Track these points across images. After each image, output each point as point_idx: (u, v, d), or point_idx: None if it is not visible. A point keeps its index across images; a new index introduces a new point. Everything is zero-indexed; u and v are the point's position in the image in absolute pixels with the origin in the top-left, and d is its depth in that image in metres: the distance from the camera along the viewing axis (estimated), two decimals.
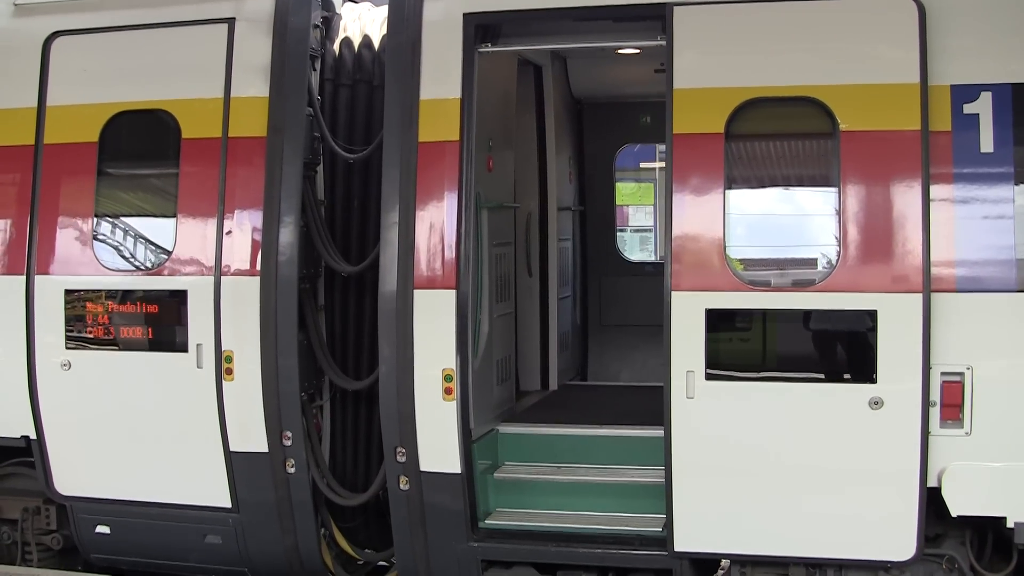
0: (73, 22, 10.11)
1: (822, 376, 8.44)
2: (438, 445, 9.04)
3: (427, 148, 9.08)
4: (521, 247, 11.51)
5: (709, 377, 8.44)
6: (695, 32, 8.66)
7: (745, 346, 8.70)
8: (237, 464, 9.54)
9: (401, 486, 9.17)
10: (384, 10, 9.86)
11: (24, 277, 9.95)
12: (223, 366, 9.42)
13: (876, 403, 8.16)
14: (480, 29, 9.21)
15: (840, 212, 8.31)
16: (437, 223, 9.00)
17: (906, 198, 8.21)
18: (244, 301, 9.39)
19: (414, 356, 9.00)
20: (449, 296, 8.96)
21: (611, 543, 9.03)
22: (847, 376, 8.37)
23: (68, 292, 9.86)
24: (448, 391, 8.93)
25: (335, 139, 9.83)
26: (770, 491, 8.48)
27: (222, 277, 9.44)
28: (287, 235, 9.35)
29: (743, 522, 8.59)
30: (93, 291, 9.83)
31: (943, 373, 8.13)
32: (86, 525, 10.16)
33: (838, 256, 8.30)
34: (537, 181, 11.98)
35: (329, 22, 10.12)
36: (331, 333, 10.02)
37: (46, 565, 10.50)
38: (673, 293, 8.50)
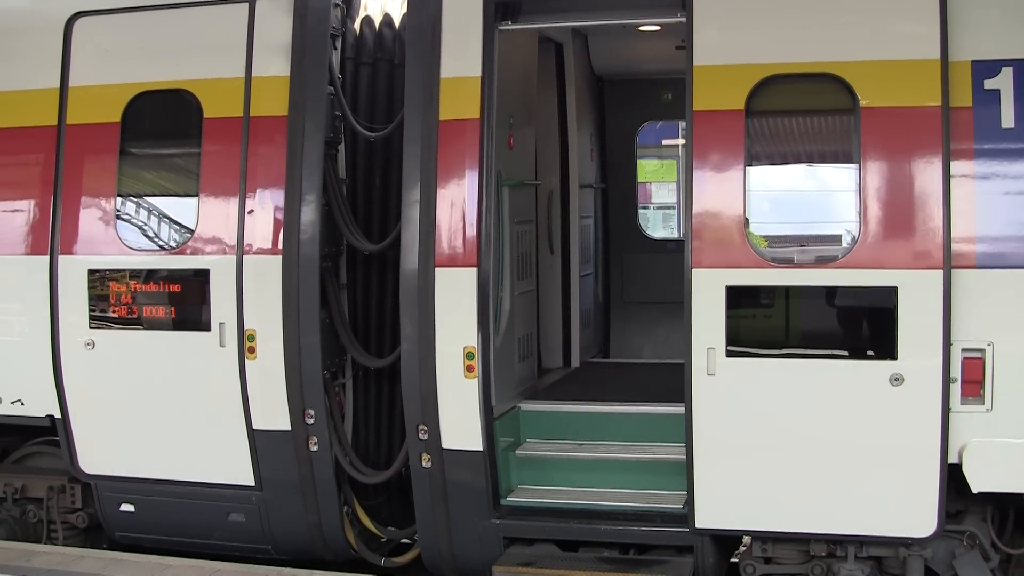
0: (95, 2, 10.14)
1: (842, 353, 8.41)
2: (460, 423, 9.06)
3: (448, 126, 9.08)
4: (543, 224, 11.50)
5: (730, 354, 8.44)
6: (715, 8, 8.64)
7: (765, 323, 8.68)
8: (260, 442, 9.59)
9: (423, 464, 9.21)
10: None
11: (48, 257, 10.02)
12: (246, 345, 9.46)
13: (897, 379, 8.14)
14: (500, 7, 9.19)
15: (860, 188, 8.28)
16: (458, 201, 9.00)
17: (926, 174, 8.18)
18: (266, 280, 9.43)
19: (436, 334, 9.02)
20: (470, 274, 8.97)
21: (633, 520, 9.06)
22: (868, 353, 8.34)
23: (91, 272, 9.92)
24: (470, 369, 8.95)
25: (356, 118, 9.83)
26: (791, 468, 8.48)
27: (244, 256, 9.47)
28: (309, 214, 9.36)
29: (764, 499, 8.59)
30: (116, 271, 9.89)
31: (964, 349, 8.10)
32: (111, 503, 10.24)
33: (859, 232, 8.28)
34: (558, 158, 11.96)
35: (350, 1, 10.11)
36: (353, 311, 10.04)
37: (71, 543, 10.59)
38: (694, 270, 8.50)
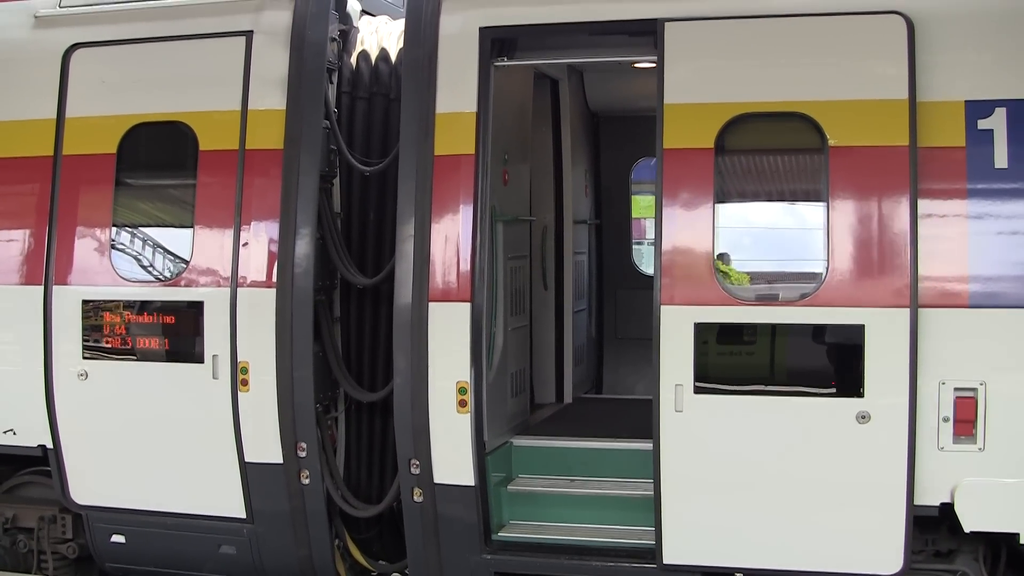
0: (93, 34, 10.17)
1: (810, 390, 8.43)
2: (452, 457, 9.05)
3: (443, 161, 9.10)
4: (537, 260, 11.53)
5: (698, 391, 8.48)
6: (686, 48, 8.72)
7: (733, 360, 8.73)
8: (252, 475, 9.57)
9: (415, 498, 9.19)
10: (401, 23, 9.88)
11: (42, 287, 10.01)
12: (239, 377, 9.45)
13: (863, 417, 8.19)
14: (496, 43, 9.24)
15: (828, 227, 8.33)
16: (452, 236, 9.02)
17: (894, 213, 8.23)
18: (260, 312, 9.43)
19: (429, 368, 9.02)
20: (464, 309, 8.98)
21: (624, 556, 9.03)
22: (835, 390, 8.36)
23: (85, 302, 9.91)
24: (462, 403, 8.95)
25: (352, 152, 9.86)
26: (759, 504, 8.51)
27: (238, 288, 9.47)
28: (303, 247, 9.38)
29: (732, 535, 8.62)
30: (110, 301, 9.88)
31: (956, 389, 8.12)
32: (101, 534, 10.19)
33: (826, 271, 8.32)
34: (553, 194, 11.99)
35: (346, 35, 10.17)
36: (346, 345, 10.04)
37: (62, 574, 10.55)
38: (662, 307, 8.56)
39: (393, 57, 10.19)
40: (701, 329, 8.50)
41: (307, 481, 9.51)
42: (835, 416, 8.27)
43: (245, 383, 9.46)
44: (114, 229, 9.97)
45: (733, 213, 8.95)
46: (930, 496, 8.23)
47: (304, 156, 9.46)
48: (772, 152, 9.06)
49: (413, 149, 9.17)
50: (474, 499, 9.07)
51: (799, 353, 8.64)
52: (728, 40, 8.71)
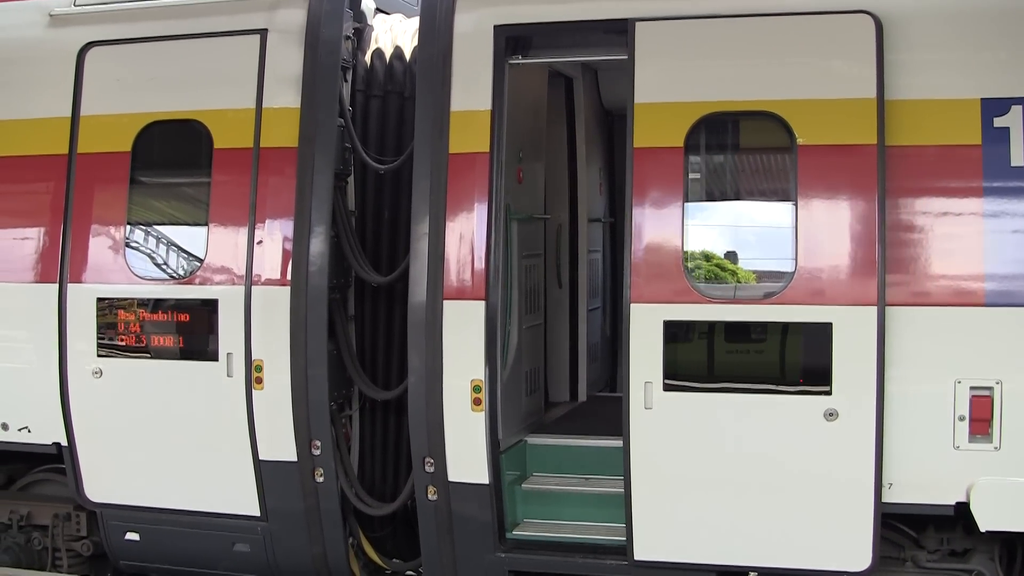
0: (107, 32, 10.18)
1: (778, 387, 8.46)
2: (466, 456, 9.05)
3: (457, 159, 9.10)
4: (551, 258, 11.52)
5: (667, 388, 8.52)
6: (656, 47, 8.75)
7: (702, 357, 8.76)
8: (266, 473, 9.58)
9: (429, 496, 9.20)
10: (415, 22, 9.89)
11: (57, 285, 10.03)
12: (253, 375, 9.46)
13: (831, 414, 8.22)
14: (511, 41, 9.23)
15: (797, 225, 8.37)
16: (467, 234, 9.02)
17: (862, 212, 8.25)
18: (274, 310, 9.43)
19: (443, 367, 9.02)
20: (478, 307, 8.98)
21: None
22: (802, 388, 8.38)
23: (100, 300, 9.92)
24: (477, 402, 8.95)
25: (366, 150, 9.86)
26: (728, 501, 8.55)
27: (253, 286, 9.48)
28: (318, 245, 9.39)
29: (701, 531, 8.66)
30: (125, 299, 9.89)
31: (972, 388, 8.10)
32: (116, 532, 10.22)
33: (795, 269, 8.35)
34: (567, 192, 11.98)
35: (361, 33, 10.17)
36: (360, 343, 10.05)
37: (76, 571, 10.58)
38: (632, 305, 8.58)
39: (407, 55, 10.20)
40: (670, 327, 8.54)
41: (321, 479, 9.52)
42: (803, 413, 8.31)
43: (259, 381, 9.46)
44: (129, 227, 9.98)
45: (702, 212, 9.03)
46: (945, 495, 8.21)
47: (319, 154, 9.46)
48: (742, 151, 9.13)
49: (428, 147, 9.17)
50: (488, 497, 9.07)
51: (768, 351, 8.67)
52: (698, 40, 8.75)
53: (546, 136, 11.02)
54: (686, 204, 8.62)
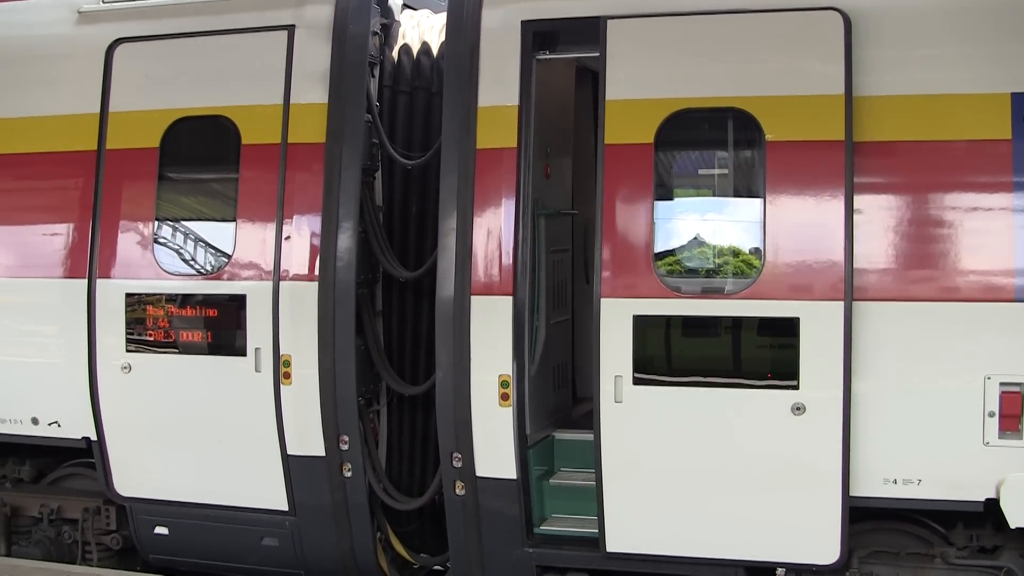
0: (136, 29, 10.22)
1: (746, 381, 8.49)
2: (494, 451, 9.07)
3: (485, 155, 9.11)
4: (578, 253, 11.49)
5: (637, 382, 8.57)
6: (627, 44, 8.79)
7: (672, 351, 8.83)
8: (294, 467, 9.60)
9: (457, 491, 9.21)
10: (443, 17, 9.89)
11: (86, 280, 10.08)
12: (281, 370, 9.49)
13: (798, 409, 8.27)
14: (538, 36, 9.23)
15: (765, 221, 8.41)
16: (494, 229, 9.03)
17: (829, 208, 8.28)
18: (302, 306, 9.46)
19: (471, 362, 9.03)
20: (506, 302, 8.98)
21: None
22: (770, 382, 8.42)
23: (129, 296, 9.96)
24: (504, 397, 8.96)
25: (393, 145, 9.88)
26: (697, 494, 8.63)
27: (281, 282, 9.50)
28: (345, 240, 9.41)
29: (672, 524, 8.74)
30: (153, 295, 9.92)
31: (1002, 384, 8.06)
32: (145, 526, 10.28)
33: (763, 264, 8.38)
34: (595, 188, 11.93)
35: (388, 29, 10.17)
36: (388, 338, 10.07)
37: (105, 565, 10.62)
38: (602, 299, 8.65)
39: (435, 51, 10.21)
40: (640, 321, 8.59)
41: (349, 474, 9.55)
42: (770, 408, 8.36)
43: (287, 376, 9.49)
44: (157, 223, 10.02)
45: (672, 207, 9.11)
46: (974, 492, 8.18)
47: (346, 150, 9.48)
48: (711, 147, 9.21)
49: (455, 143, 9.18)
50: (516, 492, 9.09)
51: (736, 345, 8.73)
52: (669, 37, 8.80)
53: (574, 131, 11.00)
54: (656, 200, 8.70)
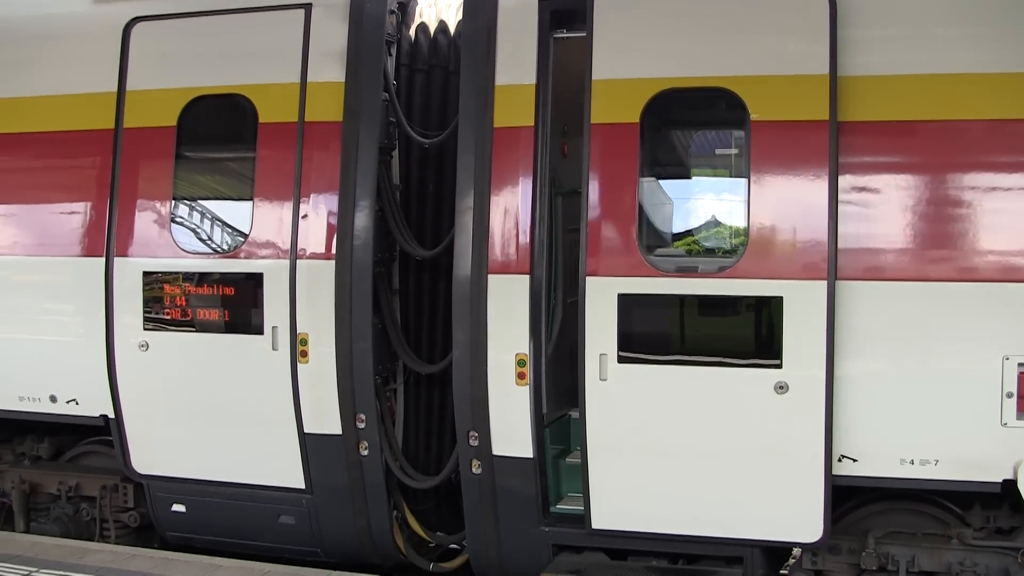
0: (152, 8, 10.23)
1: (729, 360, 8.52)
2: (511, 429, 9.08)
3: (502, 133, 9.10)
4: None
5: (621, 360, 8.61)
6: (613, 24, 8.79)
7: (656, 330, 8.86)
8: (311, 446, 9.63)
9: (473, 470, 9.23)
10: None
11: (103, 259, 10.11)
12: (298, 348, 9.51)
13: (781, 387, 8.30)
14: (555, 15, 9.20)
15: (749, 200, 8.41)
16: (511, 208, 9.02)
17: (813, 187, 8.29)
18: (319, 284, 9.47)
19: (488, 341, 9.04)
20: (523, 281, 8.98)
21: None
22: (753, 361, 8.44)
23: (146, 274, 9.99)
24: (521, 376, 8.96)
25: (410, 124, 9.88)
26: (681, 472, 8.67)
27: (298, 260, 9.51)
28: (362, 219, 9.41)
29: (656, 501, 8.79)
30: (170, 273, 9.95)
31: (1020, 364, 8.03)
32: (162, 503, 10.34)
33: (746, 244, 8.40)
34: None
35: (405, 7, 10.15)
36: (405, 317, 10.09)
37: (123, 542, 10.70)
38: (588, 278, 8.68)
39: (452, 29, 10.20)
40: (624, 300, 8.61)
41: (366, 452, 9.57)
42: (753, 386, 8.38)
43: (304, 355, 9.51)
44: (174, 201, 10.03)
45: (656, 187, 9.16)
46: (992, 473, 8.15)
47: (363, 128, 9.48)
48: (696, 127, 9.30)
49: (472, 121, 9.17)
50: (532, 471, 9.10)
51: (720, 324, 8.78)
52: (654, 16, 8.79)
53: None
54: (641, 179, 8.71)
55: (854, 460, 8.35)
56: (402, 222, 9.82)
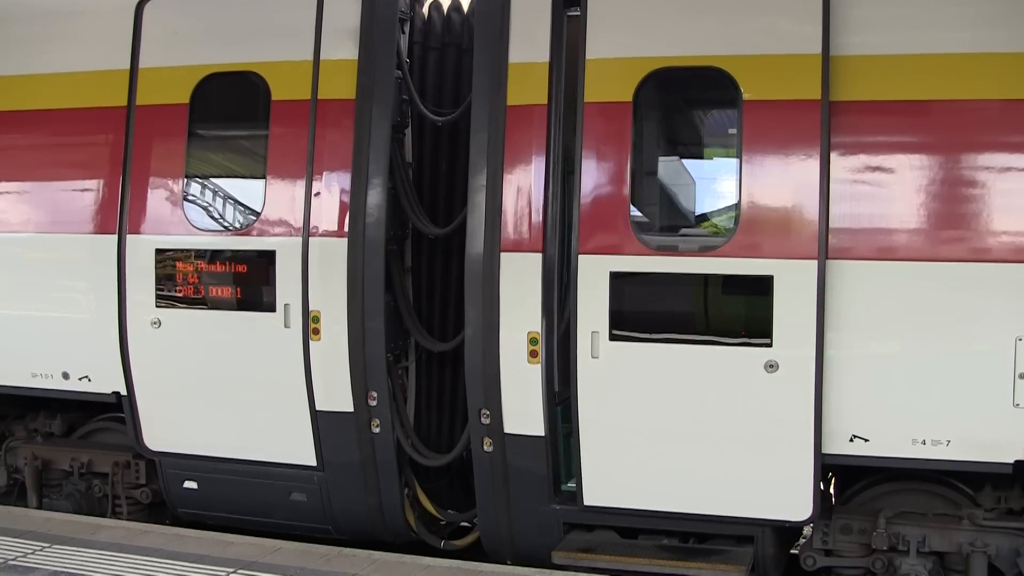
0: None
1: (720, 339, 8.57)
2: (522, 408, 9.08)
3: (515, 111, 9.08)
4: None
5: (613, 338, 8.67)
6: (607, 3, 8.84)
7: (647, 308, 8.92)
8: (323, 423, 9.65)
9: (485, 448, 9.24)
10: None
11: (116, 236, 10.12)
12: (310, 326, 9.52)
13: (771, 366, 8.36)
14: None
15: (740, 179, 8.45)
16: (524, 187, 9.01)
17: (805, 167, 8.34)
18: (332, 262, 9.47)
19: (500, 319, 9.04)
20: (536, 259, 8.97)
21: None
22: (744, 339, 8.49)
23: (159, 251, 10.00)
24: (533, 354, 8.97)
25: (423, 102, 9.86)
26: (672, 449, 8.75)
27: (310, 238, 9.51)
28: (375, 197, 9.41)
29: (647, 478, 8.86)
30: (183, 251, 9.96)
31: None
32: (174, 480, 10.37)
33: (738, 222, 8.43)
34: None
35: None
36: (417, 295, 10.09)
37: (135, 518, 10.73)
38: (580, 256, 8.74)
39: (465, 7, 10.18)
40: (617, 278, 8.66)
41: (377, 430, 9.59)
42: (744, 364, 8.43)
43: (316, 332, 9.52)
44: (186, 179, 10.03)
45: (649, 165, 9.22)
46: (1003, 453, 8.16)
47: (376, 106, 9.47)
48: (689, 106, 9.40)
49: (485, 99, 9.16)
50: (544, 450, 9.11)
51: (711, 302, 8.81)
52: None
53: None
54: (633, 158, 8.76)
55: (866, 440, 8.35)
56: (415, 200, 9.82)
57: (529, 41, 9.11)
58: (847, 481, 9.22)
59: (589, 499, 8.96)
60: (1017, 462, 8.14)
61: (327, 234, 9.51)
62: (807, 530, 9.22)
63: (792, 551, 9.55)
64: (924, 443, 8.25)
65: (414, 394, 10.17)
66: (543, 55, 9.08)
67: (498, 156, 9.06)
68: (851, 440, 8.35)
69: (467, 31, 10.01)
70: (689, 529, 8.96)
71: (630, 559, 8.88)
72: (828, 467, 8.54)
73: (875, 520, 8.59)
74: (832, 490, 9.53)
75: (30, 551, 9.19)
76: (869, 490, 8.99)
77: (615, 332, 8.67)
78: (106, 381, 10.33)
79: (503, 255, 9.02)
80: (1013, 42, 8.12)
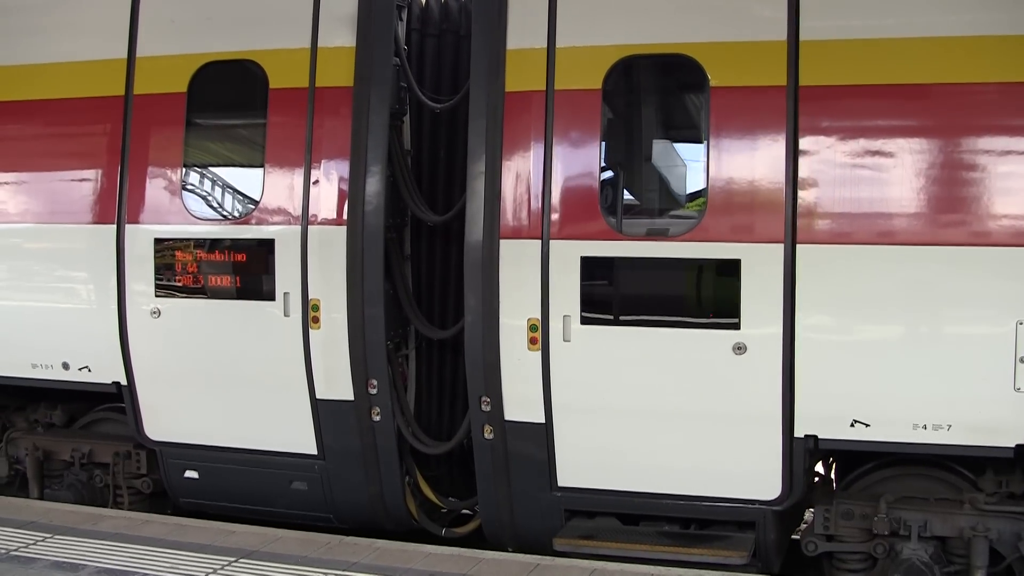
0: None
1: (689, 321, 8.66)
2: (523, 395, 9.07)
3: (514, 98, 9.06)
4: None
5: (584, 321, 8.77)
6: None
7: (618, 292, 8.97)
8: (323, 412, 9.64)
9: (485, 435, 9.23)
10: None
11: (115, 226, 10.10)
12: (310, 315, 9.51)
13: (739, 348, 8.44)
14: None
15: (708, 165, 8.52)
16: (523, 173, 8.99)
17: (771, 152, 8.41)
18: (331, 250, 9.46)
19: (500, 306, 9.03)
20: (535, 246, 8.95)
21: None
22: (712, 322, 8.58)
23: (157, 241, 9.98)
24: (533, 341, 8.95)
25: (422, 89, 9.84)
26: (643, 430, 8.86)
27: (309, 226, 9.50)
28: (374, 185, 9.38)
29: (619, 460, 8.97)
30: (182, 240, 9.94)
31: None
32: (175, 470, 10.37)
33: (705, 207, 8.50)
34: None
35: None
36: (417, 282, 10.08)
37: (136, 508, 10.73)
38: (551, 241, 8.82)
39: None
40: (587, 262, 8.74)
41: (378, 418, 9.58)
42: (712, 347, 8.51)
43: (316, 320, 9.51)
44: (185, 168, 10.01)
45: (618, 151, 9.37)
46: (1005, 438, 8.14)
47: (374, 94, 9.44)
48: (657, 92, 9.50)
49: (484, 86, 9.14)
50: (544, 437, 9.09)
51: (680, 286, 8.90)
52: None
53: None
54: (603, 144, 8.85)
55: (867, 425, 8.34)
56: (414, 187, 9.80)
57: (527, 27, 9.08)
58: (847, 466, 9.21)
59: (563, 480, 9.08)
60: (1018, 446, 8.12)
61: (326, 222, 9.49)
62: (808, 515, 9.21)
63: (794, 536, 9.54)
64: (925, 428, 8.24)
65: (414, 382, 10.16)
66: (541, 41, 9.04)
67: (497, 143, 9.04)
68: (852, 425, 8.34)
69: (465, 17, 9.97)
70: (711, 517, 8.96)
71: (632, 545, 8.88)
72: (827, 452, 8.52)
73: (876, 505, 8.59)
74: (833, 475, 9.55)
75: (32, 541, 9.20)
76: (870, 475, 8.98)
77: (586, 315, 8.79)
78: (106, 371, 10.31)
79: (502, 242, 9.01)
80: (977, 25, 8.13)
